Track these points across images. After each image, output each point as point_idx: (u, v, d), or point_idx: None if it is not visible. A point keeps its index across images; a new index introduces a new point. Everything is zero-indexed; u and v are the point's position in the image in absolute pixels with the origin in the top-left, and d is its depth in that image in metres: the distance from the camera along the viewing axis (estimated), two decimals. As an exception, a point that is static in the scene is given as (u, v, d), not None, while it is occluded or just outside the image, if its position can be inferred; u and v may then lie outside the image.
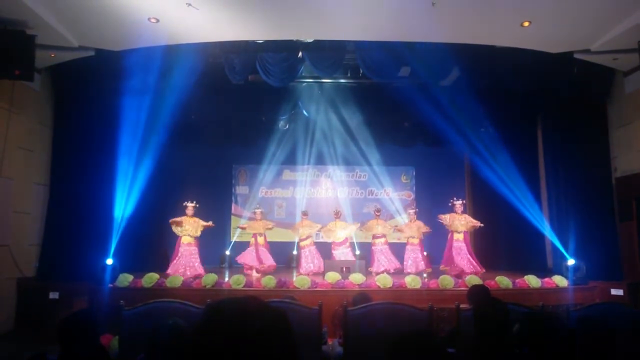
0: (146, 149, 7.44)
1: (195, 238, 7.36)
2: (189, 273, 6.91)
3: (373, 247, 8.35)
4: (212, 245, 9.77)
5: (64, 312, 5.49)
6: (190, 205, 7.47)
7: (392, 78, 7.59)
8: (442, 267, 7.68)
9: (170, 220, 7.36)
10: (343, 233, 8.36)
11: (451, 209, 7.83)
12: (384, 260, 8.06)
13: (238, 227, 9.30)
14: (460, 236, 7.57)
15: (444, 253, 7.77)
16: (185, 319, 2.59)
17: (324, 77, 8.16)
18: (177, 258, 7.17)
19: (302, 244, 8.37)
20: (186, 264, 7.08)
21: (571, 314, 3.86)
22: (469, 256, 7.40)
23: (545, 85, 7.36)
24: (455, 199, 7.87)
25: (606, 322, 2.45)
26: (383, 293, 6.08)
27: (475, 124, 8.42)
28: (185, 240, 7.28)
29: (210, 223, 7.55)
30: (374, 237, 8.40)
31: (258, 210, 8.60)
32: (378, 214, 8.63)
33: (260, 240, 8.23)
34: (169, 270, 6.98)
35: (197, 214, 7.66)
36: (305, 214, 8.63)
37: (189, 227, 7.33)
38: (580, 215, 7.32)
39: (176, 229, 7.31)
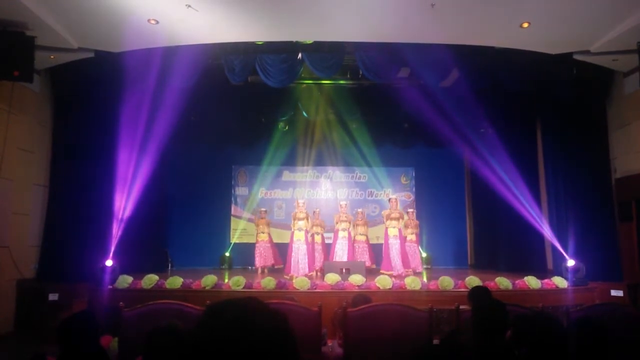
0: (146, 150, 7.43)
1: None
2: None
3: (389, 243, 8.03)
4: (212, 246, 9.80)
5: (64, 313, 5.48)
6: None
7: (392, 79, 7.59)
8: None
9: None
10: (345, 224, 8.41)
11: None
12: (397, 261, 7.80)
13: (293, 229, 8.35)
14: None
15: None
16: (184, 320, 2.59)
17: (323, 78, 8.16)
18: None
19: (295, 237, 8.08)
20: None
21: (571, 314, 3.86)
22: None
23: (545, 86, 7.34)
24: None
25: (606, 323, 2.44)
26: (383, 294, 6.07)
27: (475, 125, 8.42)
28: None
29: None
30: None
31: (317, 210, 8.64)
32: (395, 203, 8.45)
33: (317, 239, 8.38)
34: None
35: (197, 215, 7.80)
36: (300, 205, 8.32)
37: None
38: (580, 216, 7.31)
39: None
